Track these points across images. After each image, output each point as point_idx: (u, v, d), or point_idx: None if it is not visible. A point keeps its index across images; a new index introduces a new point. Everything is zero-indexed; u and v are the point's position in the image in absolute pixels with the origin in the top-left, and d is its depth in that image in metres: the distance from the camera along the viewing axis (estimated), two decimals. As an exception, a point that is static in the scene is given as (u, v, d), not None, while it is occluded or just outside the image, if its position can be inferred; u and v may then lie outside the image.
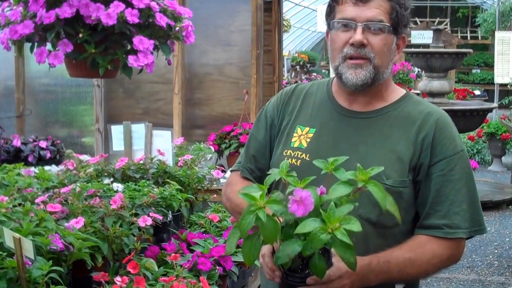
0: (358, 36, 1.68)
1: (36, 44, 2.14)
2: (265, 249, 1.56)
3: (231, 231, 1.48)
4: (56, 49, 2.09)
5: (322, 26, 17.27)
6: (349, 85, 1.74)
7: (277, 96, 1.96)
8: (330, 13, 1.77)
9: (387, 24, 1.70)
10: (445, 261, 1.72)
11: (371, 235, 1.71)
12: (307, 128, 1.82)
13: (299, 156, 1.78)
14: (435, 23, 20.26)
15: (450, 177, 1.70)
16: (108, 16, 2.04)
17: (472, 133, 10.31)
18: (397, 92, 1.84)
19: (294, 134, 1.83)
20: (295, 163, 1.77)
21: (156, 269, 2.23)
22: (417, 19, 22.99)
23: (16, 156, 3.63)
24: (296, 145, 1.81)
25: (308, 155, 1.77)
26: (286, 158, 1.77)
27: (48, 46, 2.12)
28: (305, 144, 1.80)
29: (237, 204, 1.87)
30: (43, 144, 3.71)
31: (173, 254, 2.33)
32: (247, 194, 1.42)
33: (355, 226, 1.35)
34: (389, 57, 1.75)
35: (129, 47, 2.16)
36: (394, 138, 1.75)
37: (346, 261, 1.38)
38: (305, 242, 1.39)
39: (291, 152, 1.80)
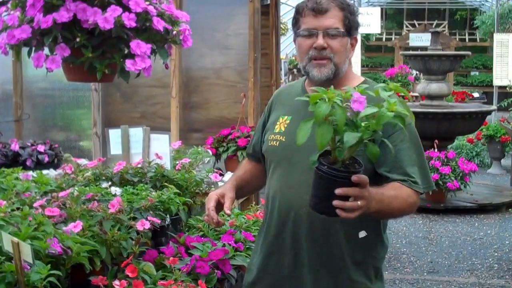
0: (320, 41, 2.10)
1: (33, 48, 2.13)
2: None
3: (301, 125, 1.69)
4: (54, 53, 2.09)
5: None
6: (315, 80, 2.12)
7: (270, 99, 2.38)
8: (296, 23, 2.17)
9: (342, 30, 2.11)
10: (413, 204, 2.04)
11: None
12: (286, 117, 2.20)
13: (278, 138, 2.17)
14: (433, 26, 20.30)
15: (402, 146, 2.05)
16: (105, 20, 2.04)
17: (471, 136, 10.29)
18: (357, 80, 2.20)
19: (277, 123, 2.21)
20: (275, 144, 2.16)
21: (155, 272, 2.23)
22: (415, 22, 23.06)
23: (14, 160, 3.63)
24: (277, 130, 2.20)
25: (284, 137, 2.16)
26: (269, 142, 2.18)
27: (46, 50, 2.12)
28: (283, 129, 2.19)
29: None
30: (41, 148, 3.71)
31: (171, 258, 2.33)
32: (318, 88, 1.71)
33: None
34: (345, 55, 2.15)
35: (126, 51, 2.16)
36: None
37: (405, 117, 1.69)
38: (364, 130, 1.67)
39: (273, 136, 2.19)
